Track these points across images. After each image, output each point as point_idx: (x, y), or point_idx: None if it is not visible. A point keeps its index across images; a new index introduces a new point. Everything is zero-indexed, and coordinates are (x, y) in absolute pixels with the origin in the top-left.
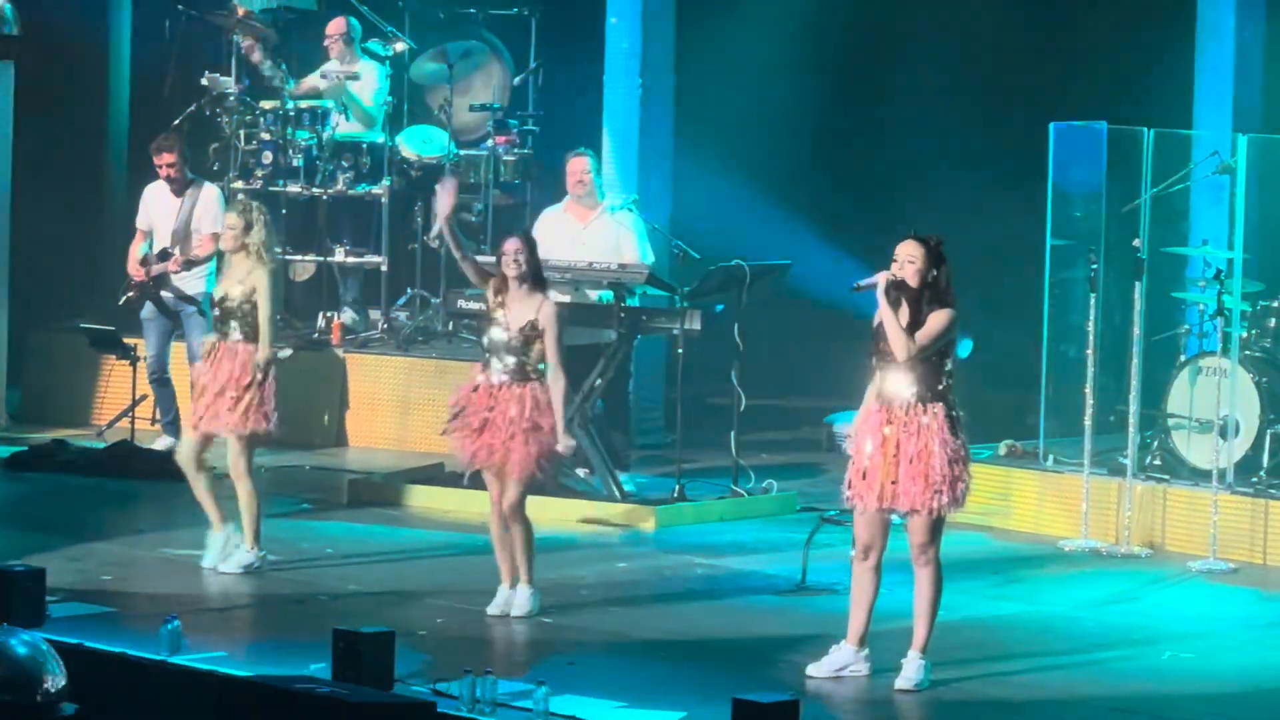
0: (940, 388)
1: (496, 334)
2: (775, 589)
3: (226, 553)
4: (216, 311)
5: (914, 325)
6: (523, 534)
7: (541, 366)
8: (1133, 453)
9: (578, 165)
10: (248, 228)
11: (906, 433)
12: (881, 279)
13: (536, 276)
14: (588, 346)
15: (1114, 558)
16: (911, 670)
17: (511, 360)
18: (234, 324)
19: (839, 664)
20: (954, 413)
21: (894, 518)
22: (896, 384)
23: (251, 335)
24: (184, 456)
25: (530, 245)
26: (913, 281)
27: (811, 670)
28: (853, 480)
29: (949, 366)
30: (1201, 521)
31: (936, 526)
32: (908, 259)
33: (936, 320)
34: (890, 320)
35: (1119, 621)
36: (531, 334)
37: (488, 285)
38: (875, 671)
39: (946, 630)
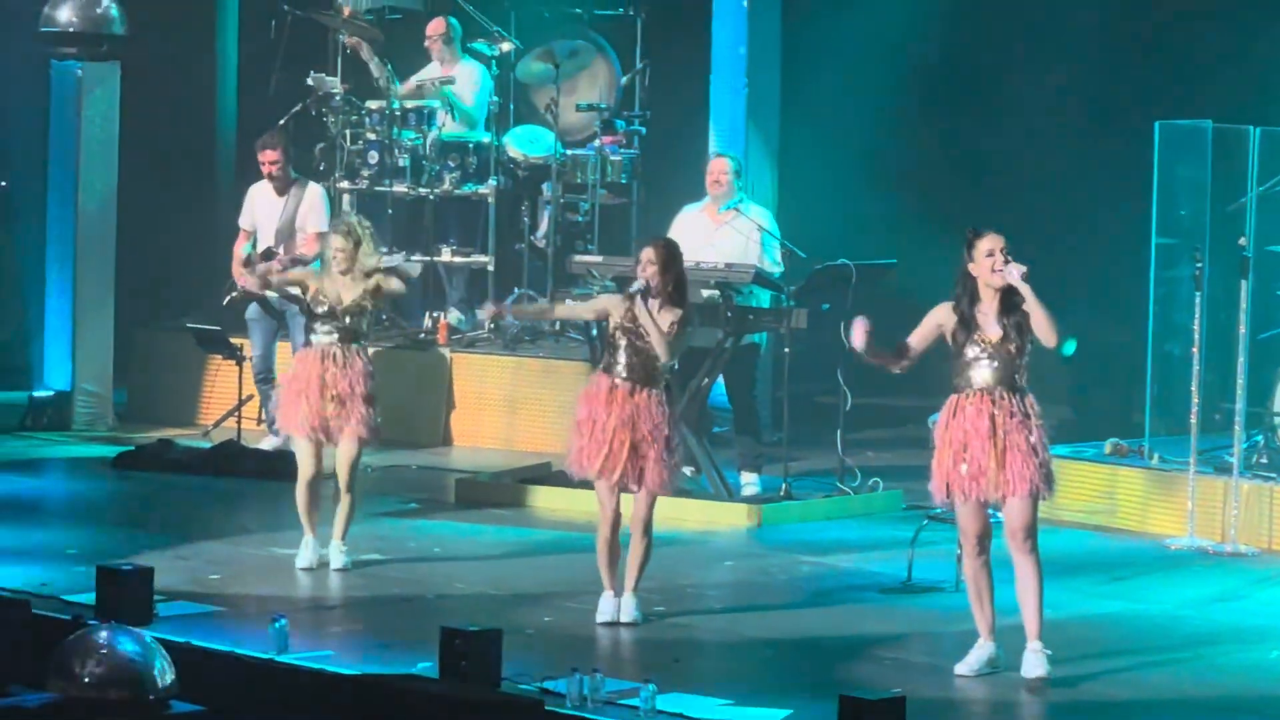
0: (1023, 377)
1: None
2: (881, 587)
3: (323, 556)
4: (322, 319)
5: (1012, 311)
6: (647, 547)
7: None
8: (1238, 451)
9: (716, 166)
10: (357, 245)
11: (1015, 420)
12: (1017, 271)
13: (677, 286)
14: (695, 347)
15: (1220, 556)
16: (1040, 658)
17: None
18: (338, 331)
19: (985, 658)
20: (1033, 401)
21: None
22: (993, 374)
23: (356, 338)
24: (307, 464)
25: (668, 253)
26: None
27: (960, 669)
28: (950, 475)
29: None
30: None
31: (1036, 511)
32: (1002, 249)
33: (1037, 306)
34: (1038, 307)
35: (1225, 620)
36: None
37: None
38: (1010, 666)
39: (1052, 628)
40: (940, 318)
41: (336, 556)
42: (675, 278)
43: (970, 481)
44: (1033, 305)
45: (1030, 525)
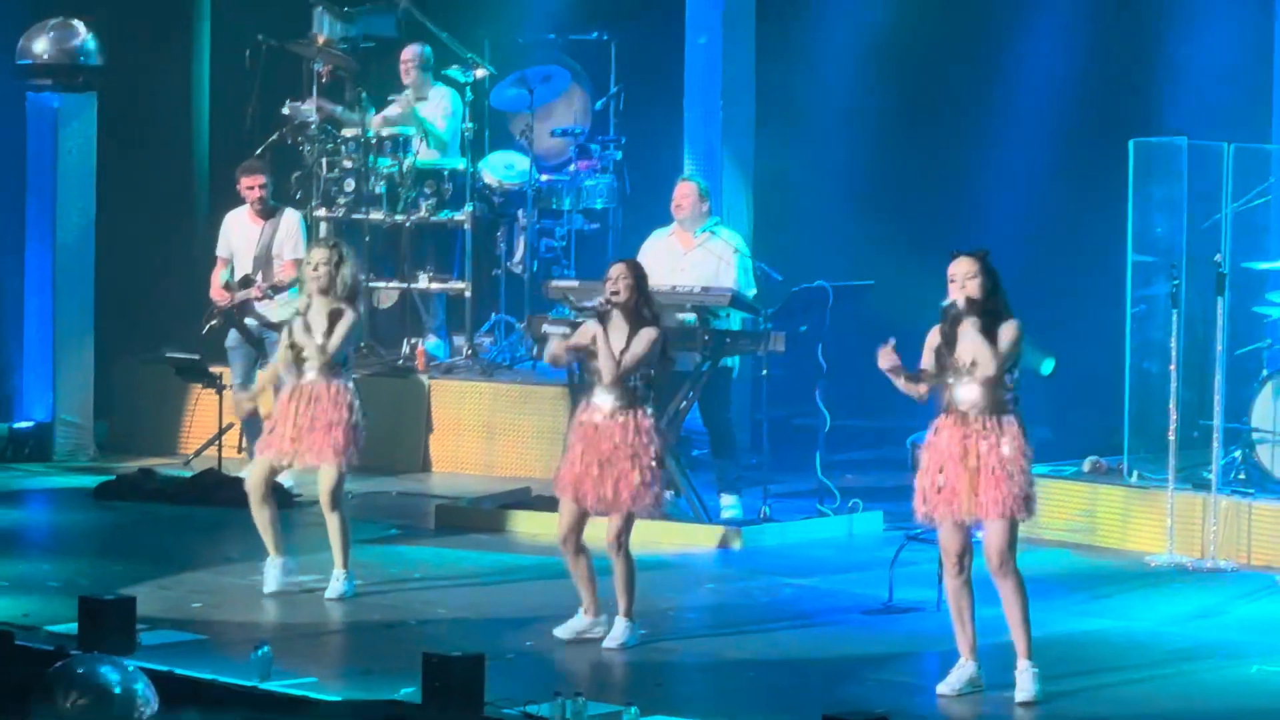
0: (1009, 397)
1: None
2: (862, 608)
3: (286, 579)
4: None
5: (990, 337)
6: (624, 568)
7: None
8: (1217, 467)
9: (679, 191)
10: (339, 262)
11: (988, 443)
12: (963, 300)
13: (642, 305)
14: (673, 371)
15: (1200, 572)
16: (1027, 679)
17: (614, 390)
18: (321, 362)
19: (965, 678)
20: (1019, 422)
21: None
22: (969, 396)
23: (341, 371)
24: (253, 484)
25: (638, 270)
26: (978, 295)
27: (942, 689)
28: (927, 495)
29: (1016, 375)
30: None
31: (1014, 533)
32: (967, 276)
33: (1008, 332)
34: (978, 339)
35: (1206, 636)
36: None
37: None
38: (989, 687)
39: (1034, 647)
40: (931, 339)
41: (334, 584)
42: (647, 296)
43: (944, 503)
44: (969, 334)
45: (1004, 549)
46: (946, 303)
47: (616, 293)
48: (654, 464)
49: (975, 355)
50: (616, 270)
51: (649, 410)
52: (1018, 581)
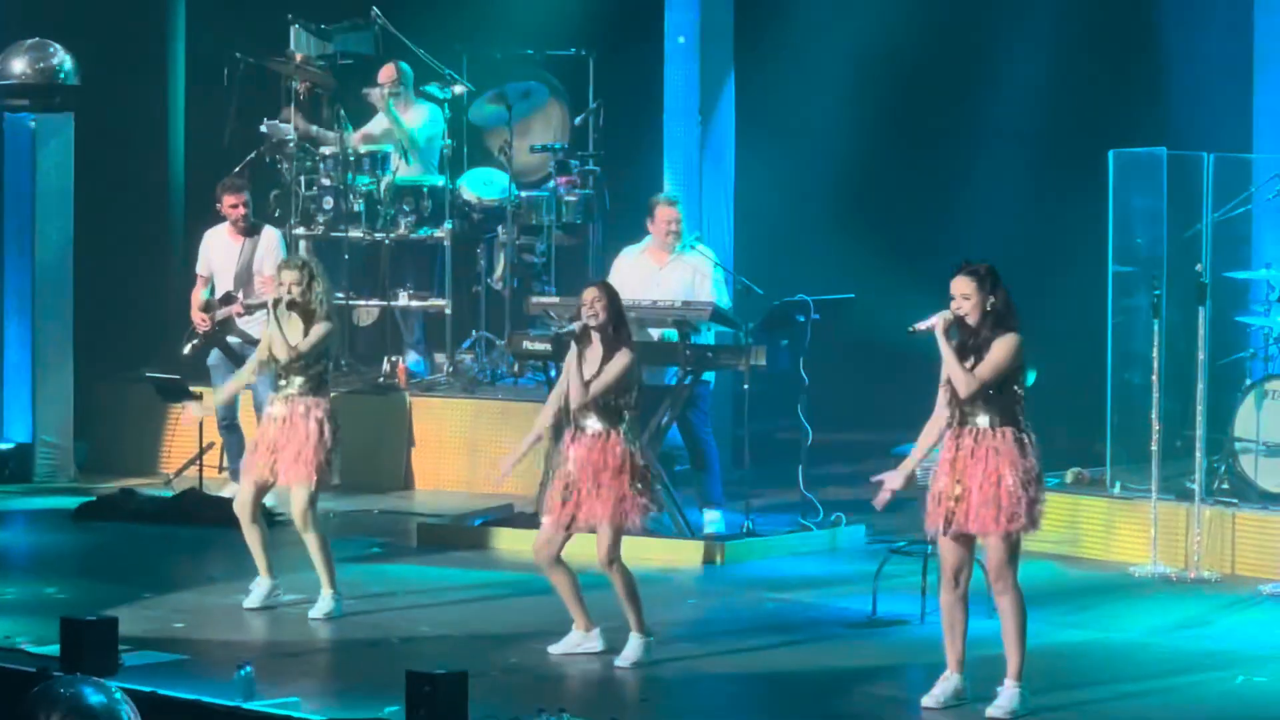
0: (1011, 411)
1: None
2: (846, 622)
3: (269, 600)
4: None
5: (980, 355)
6: (623, 581)
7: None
8: (1200, 477)
9: (671, 214)
10: (311, 280)
11: (975, 458)
12: (939, 321)
13: (622, 326)
14: (653, 386)
15: (1184, 583)
16: (1005, 699)
17: (596, 412)
18: (297, 380)
19: (950, 691)
20: (1024, 435)
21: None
22: (966, 409)
23: (317, 389)
24: (241, 506)
25: (612, 292)
26: (974, 317)
27: (926, 701)
28: (929, 507)
29: (1018, 389)
30: (1271, 544)
31: (1012, 551)
32: (962, 296)
33: (999, 349)
34: (950, 361)
35: (1191, 647)
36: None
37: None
38: (975, 699)
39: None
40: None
41: (321, 604)
42: (621, 318)
43: (940, 515)
44: (945, 357)
45: (1001, 565)
46: (951, 316)
47: (595, 315)
48: (639, 483)
49: (956, 371)
50: (590, 294)
51: (625, 431)
52: (1015, 599)
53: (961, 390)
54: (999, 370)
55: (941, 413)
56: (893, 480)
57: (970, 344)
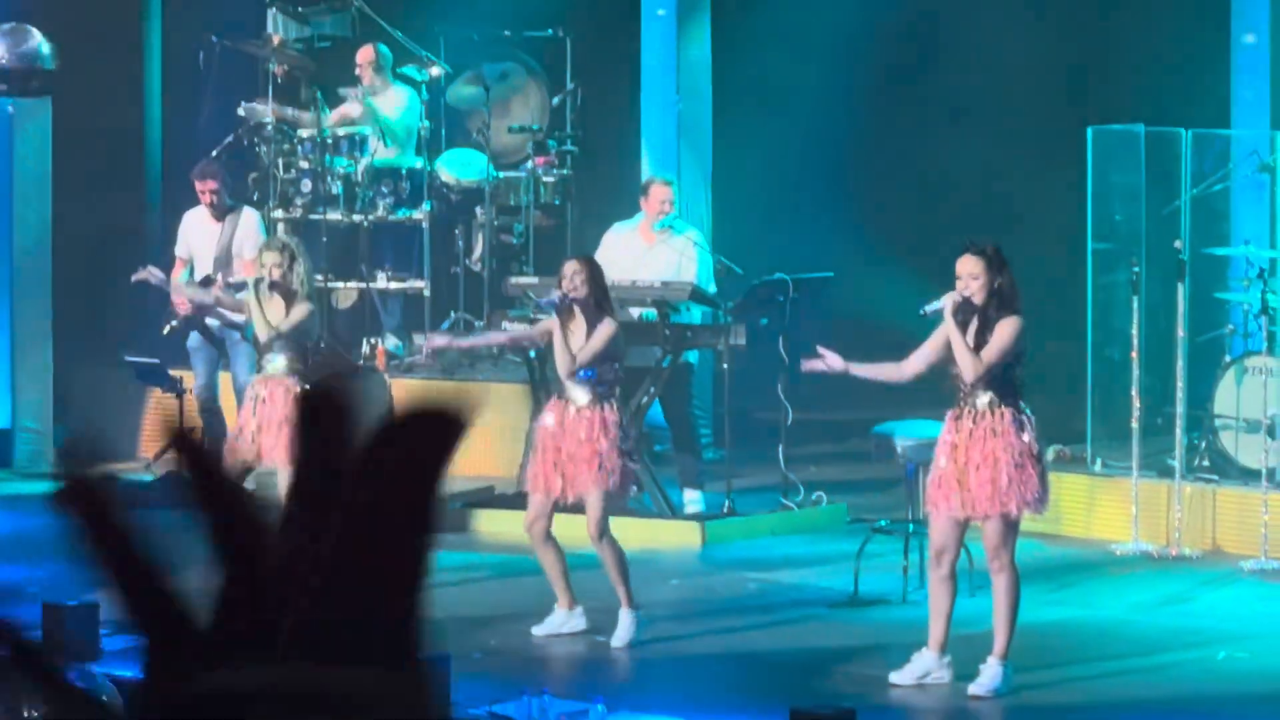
0: (1011, 392)
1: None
2: (828, 601)
3: None
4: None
5: (984, 336)
6: (612, 556)
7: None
8: (1181, 454)
9: (665, 193)
10: (292, 261)
11: (974, 439)
12: (949, 302)
13: (600, 299)
14: (634, 367)
15: (1165, 560)
16: (987, 677)
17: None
18: (280, 360)
19: (921, 671)
20: (1023, 415)
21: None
22: (967, 389)
23: (299, 367)
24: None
25: (593, 266)
26: (979, 298)
27: (895, 678)
28: (930, 490)
29: (1019, 370)
30: (1252, 521)
31: (1009, 531)
32: (970, 276)
33: (1004, 331)
34: (959, 343)
35: (1172, 624)
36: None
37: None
38: (959, 677)
39: None
40: (940, 334)
41: None
42: (602, 290)
43: (939, 496)
44: (953, 339)
45: (997, 546)
46: (959, 297)
47: (575, 289)
48: (623, 455)
49: (963, 354)
50: (570, 268)
51: (615, 404)
52: (1011, 577)
53: (968, 373)
54: (1004, 352)
55: (910, 366)
56: (833, 360)
57: (975, 325)
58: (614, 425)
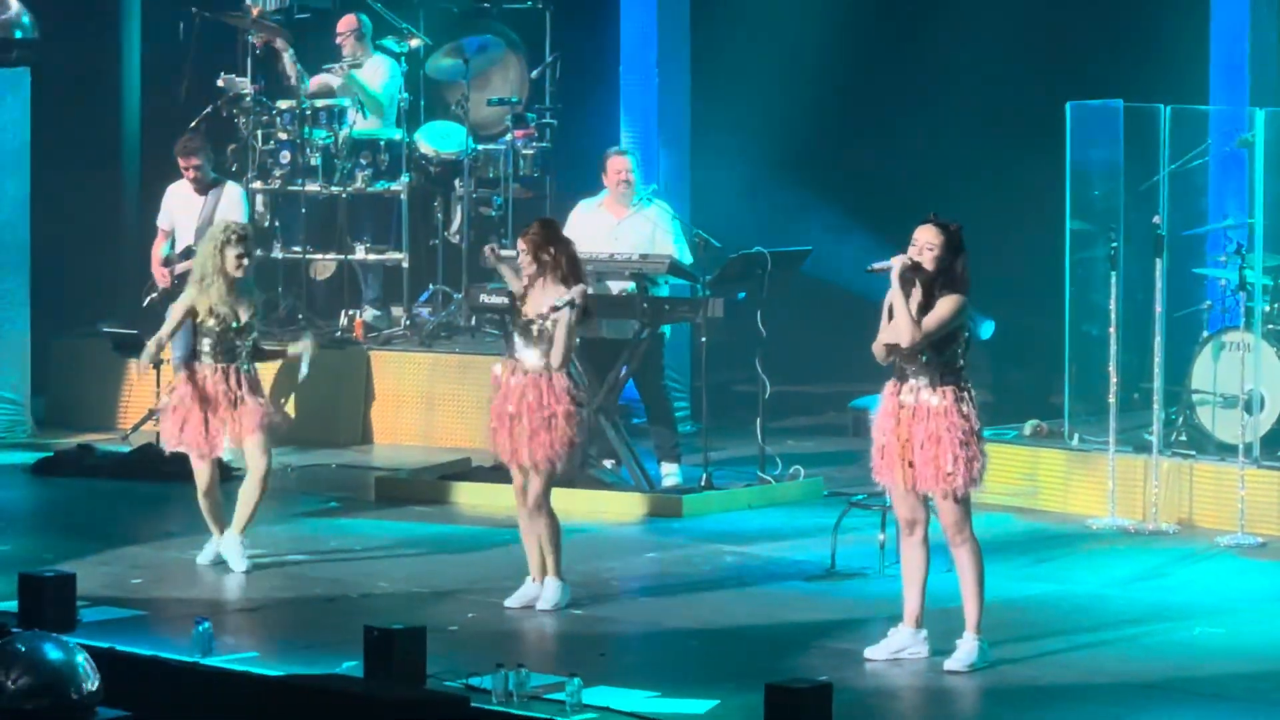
0: (952, 370)
1: (522, 323)
2: (805, 575)
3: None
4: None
5: (926, 309)
6: (548, 527)
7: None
8: (1158, 430)
9: (621, 164)
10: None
11: (917, 417)
12: (897, 263)
13: (571, 262)
14: (612, 340)
15: (1142, 535)
16: (963, 652)
17: (535, 350)
18: (240, 346)
19: (897, 646)
20: (964, 392)
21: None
22: (902, 362)
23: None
24: (201, 477)
25: (548, 230)
26: (929, 266)
27: (869, 653)
28: (875, 460)
29: (960, 349)
30: (1229, 496)
31: (962, 507)
32: (926, 245)
33: (944, 306)
34: (900, 306)
35: (1148, 598)
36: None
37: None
38: (935, 652)
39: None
40: (889, 299)
41: (237, 556)
42: (568, 255)
43: (886, 470)
44: (896, 301)
45: (954, 523)
46: (909, 260)
47: (529, 263)
48: (568, 423)
49: (903, 318)
50: (519, 244)
51: (568, 370)
52: (972, 549)
53: (905, 338)
54: (942, 325)
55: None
56: (896, 260)
57: (922, 295)
58: (564, 390)
